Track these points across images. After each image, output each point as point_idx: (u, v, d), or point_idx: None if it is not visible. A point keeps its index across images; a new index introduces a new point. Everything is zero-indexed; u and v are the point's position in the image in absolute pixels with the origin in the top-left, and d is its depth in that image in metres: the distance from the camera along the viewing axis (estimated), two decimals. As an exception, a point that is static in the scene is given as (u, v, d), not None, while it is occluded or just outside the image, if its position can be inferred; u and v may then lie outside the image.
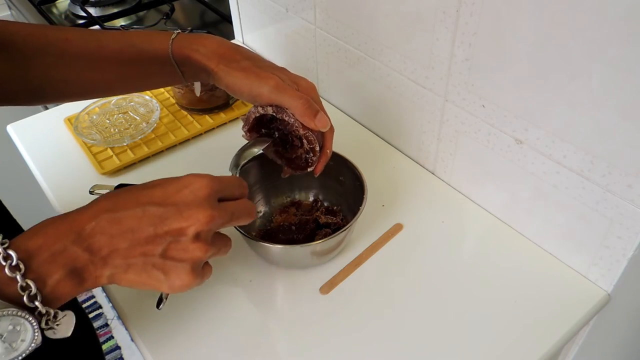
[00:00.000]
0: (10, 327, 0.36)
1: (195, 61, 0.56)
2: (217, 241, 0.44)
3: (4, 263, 0.36)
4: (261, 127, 0.59)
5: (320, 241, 0.58)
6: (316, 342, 0.55)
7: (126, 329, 0.58)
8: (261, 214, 0.68)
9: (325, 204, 0.69)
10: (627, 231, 0.53)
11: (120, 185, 0.59)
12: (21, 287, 0.37)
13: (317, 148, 0.56)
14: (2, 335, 0.36)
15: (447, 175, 0.72)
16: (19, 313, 0.36)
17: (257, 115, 0.56)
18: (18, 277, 0.37)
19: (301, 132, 0.54)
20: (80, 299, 1.76)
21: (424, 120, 0.71)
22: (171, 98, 0.89)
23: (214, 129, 0.84)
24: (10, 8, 1.46)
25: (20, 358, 0.37)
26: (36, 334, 0.37)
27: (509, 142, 0.60)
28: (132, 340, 0.58)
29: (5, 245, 0.37)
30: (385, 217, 0.68)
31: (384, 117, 0.78)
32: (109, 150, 0.79)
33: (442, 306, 0.58)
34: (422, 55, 0.65)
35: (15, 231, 0.70)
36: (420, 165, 0.76)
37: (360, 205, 0.59)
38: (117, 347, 1.64)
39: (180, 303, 0.59)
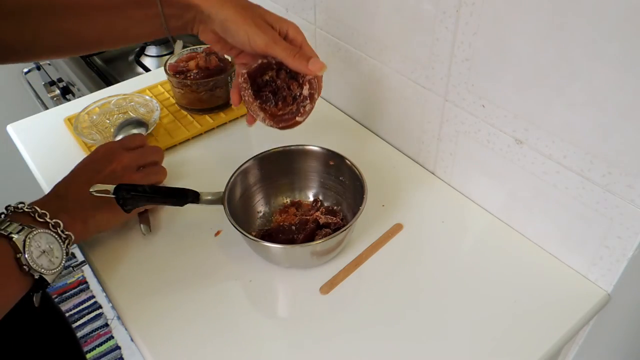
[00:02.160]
0: (47, 245, 0.51)
1: None
2: (148, 170, 0.67)
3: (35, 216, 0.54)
4: (254, 86, 0.60)
5: (320, 241, 0.58)
6: (316, 342, 0.55)
7: (126, 329, 0.58)
8: (261, 214, 0.68)
9: (325, 204, 0.69)
10: (627, 231, 0.53)
11: (120, 186, 0.60)
12: (52, 225, 0.54)
13: (316, 96, 0.59)
14: (45, 251, 0.51)
15: (447, 175, 0.72)
16: (52, 232, 0.53)
17: (264, 62, 0.58)
18: (47, 219, 0.54)
19: (307, 77, 0.58)
20: (80, 299, 1.76)
21: (424, 120, 0.71)
22: (171, 98, 0.89)
23: (214, 129, 0.84)
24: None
25: (58, 269, 0.52)
26: (64, 251, 0.53)
27: (509, 142, 0.60)
28: (132, 340, 0.58)
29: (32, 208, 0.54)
30: (385, 217, 0.68)
31: (384, 117, 0.78)
32: (109, 150, 0.79)
33: (442, 306, 0.58)
34: (422, 55, 0.65)
35: None
36: (420, 165, 0.76)
37: (361, 205, 0.59)
38: (117, 347, 1.64)
39: (180, 303, 0.59)
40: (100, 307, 1.75)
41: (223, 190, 0.62)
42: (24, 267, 0.49)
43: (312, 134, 0.73)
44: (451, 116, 0.66)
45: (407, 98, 0.71)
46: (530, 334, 0.55)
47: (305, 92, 0.58)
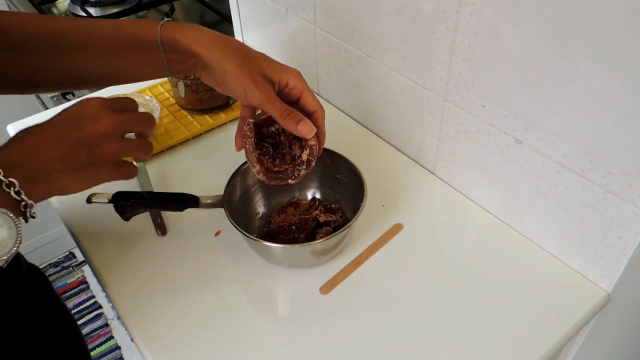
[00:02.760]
0: None
1: (183, 46, 0.55)
2: (132, 142, 0.54)
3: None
4: (259, 134, 0.59)
5: (320, 240, 0.59)
6: (316, 342, 0.55)
7: (126, 329, 0.58)
8: (260, 215, 0.68)
9: (324, 203, 0.69)
10: (627, 231, 0.53)
11: (118, 194, 0.60)
12: (6, 184, 0.45)
13: (313, 164, 0.58)
14: None
15: (447, 175, 0.72)
16: (2, 210, 0.44)
17: (265, 118, 0.58)
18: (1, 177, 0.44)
19: (310, 142, 0.57)
20: (80, 299, 1.76)
21: (424, 120, 0.71)
22: (171, 98, 0.89)
23: (214, 129, 0.84)
24: (10, 8, 1.46)
25: (9, 254, 0.45)
26: (18, 230, 0.45)
27: (509, 142, 0.60)
28: (132, 340, 0.58)
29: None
30: (385, 217, 0.68)
31: (384, 117, 0.78)
32: (109, 150, 0.79)
33: (442, 306, 0.58)
34: (422, 55, 0.65)
35: None
36: (420, 165, 0.76)
37: (361, 202, 0.60)
38: (117, 347, 1.64)
39: (181, 303, 0.59)
40: (100, 307, 1.75)
41: (222, 192, 0.62)
42: None
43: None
44: (451, 116, 0.66)
45: (407, 98, 0.71)
46: (530, 334, 0.55)
47: (304, 157, 0.58)
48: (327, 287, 0.60)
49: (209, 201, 0.62)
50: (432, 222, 0.68)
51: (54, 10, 1.33)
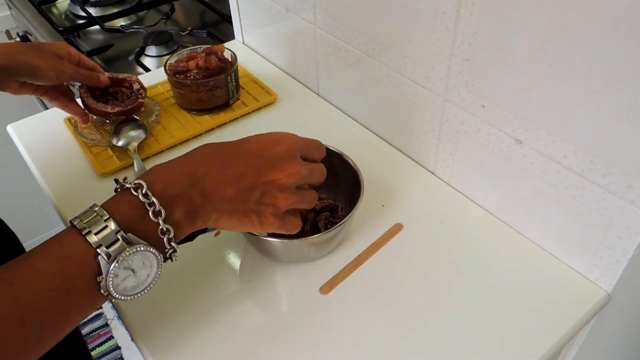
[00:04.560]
0: (141, 262, 0.41)
1: None
2: (301, 192, 0.50)
3: (149, 208, 0.41)
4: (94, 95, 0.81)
5: (318, 235, 0.59)
6: (316, 342, 0.56)
7: (126, 329, 0.58)
8: None
9: None
10: (627, 231, 0.53)
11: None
12: (161, 230, 0.42)
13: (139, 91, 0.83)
14: (134, 271, 0.41)
15: (447, 175, 0.72)
16: (150, 249, 0.41)
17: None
18: (160, 222, 0.42)
19: (132, 79, 0.83)
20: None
21: (424, 120, 0.71)
22: (171, 98, 0.89)
23: (214, 129, 0.84)
24: (10, 8, 1.46)
25: (145, 291, 0.43)
26: (159, 270, 0.43)
27: (509, 142, 0.60)
28: (132, 340, 0.58)
29: (144, 191, 0.41)
30: (385, 217, 0.68)
31: (384, 117, 0.78)
32: (109, 151, 0.79)
33: (442, 306, 0.58)
34: (422, 55, 0.65)
35: (4, 232, 0.70)
36: (420, 165, 0.76)
37: (359, 194, 0.60)
38: (117, 347, 1.64)
39: (181, 303, 0.59)
40: (100, 307, 1.75)
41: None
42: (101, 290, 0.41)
43: (311, 133, 0.73)
44: (451, 116, 0.66)
45: (407, 98, 0.71)
46: (530, 334, 0.55)
47: (137, 86, 0.82)
48: (327, 287, 0.60)
49: None
50: (432, 222, 0.68)
51: (54, 10, 1.33)
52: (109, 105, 0.78)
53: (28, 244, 0.76)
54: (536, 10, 0.50)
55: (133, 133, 0.78)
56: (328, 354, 0.54)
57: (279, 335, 0.56)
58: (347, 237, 0.65)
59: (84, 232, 0.39)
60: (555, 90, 0.52)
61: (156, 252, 0.42)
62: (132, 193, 0.42)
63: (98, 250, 0.39)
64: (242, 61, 0.98)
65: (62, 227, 0.52)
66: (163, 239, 0.42)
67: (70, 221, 0.41)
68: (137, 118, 0.80)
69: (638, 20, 0.43)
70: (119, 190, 0.44)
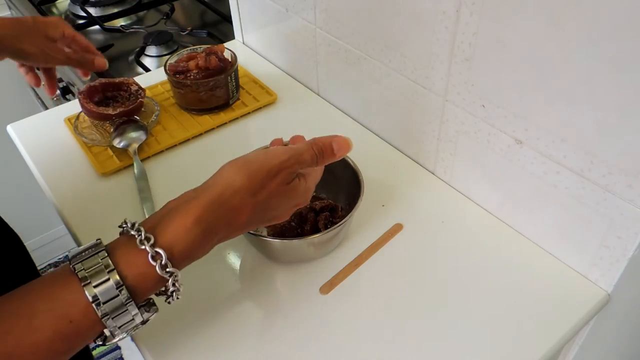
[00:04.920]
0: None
1: None
2: (298, 197, 0.51)
3: (154, 263, 0.40)
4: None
5: (318, 235, 0.59)
6: (316, 342, 0.55)
7: (126, 329, 0.58)
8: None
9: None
10: (627, 231, 0.53)
11: None
12: (166, 288, 0.43)
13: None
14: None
15: (447, 175, 0.72)
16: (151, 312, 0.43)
17: (92, 85, 0.83)
18: (169, 281, 0.42)
19: (129, 82, 0.84)
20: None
21: (424, 120, 0.71)
22: (171, 98, 0.89)
23: (214, 129, 0.84)
24: (10, 8, 1.46)
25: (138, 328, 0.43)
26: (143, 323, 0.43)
27: (509, 142, 0.60)
28: (132, 340, 0.58)
29: (152, 243, 0.40)
30: (385, 217, 0.68)
31: (384, 117, 0.78)
32: (109, 150, 0.79)
33: (442, 306, 0.58)
34: (422, 55, 0.65)
35: (5, 232, 0.70)
36: (420, 165, 0.76)
37: (359, 194, 0.60)
38: (117, 347, 1.64)
39: (180, 303, 0.59)
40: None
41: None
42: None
43: (312, 133, 0.73)
44: (451, 116, 0.66)
45: (407, 98, 0.71)
46: (530, 334, 0.55)
47: (135, 87, 0.83)
48: (327, 287, 0.60)
49: None
50: (432, 222, 0.68)
51: (54, 10, 1.33)
52: (110, 108, 0.80)
53: (28, 244, 0.76)
54: (536, 10, 0.50)
55: (134, 134, 0.78)
56: (328, 353, 0.54)
57: (279, 335, 0.56)
58: (347, 237, 0.65)
59: (83, 284, 0.38)
60: (555, 90, 0.52)
61: (153, 313, 0.43)
62: (150, 262, 0.40)
63: (94, 306, 0.38)
64: (242, 61, 0.98)
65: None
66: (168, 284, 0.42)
67: (72, 265, 0.40)
68: (138, 119, 0.80)
69: (638, 20, 0.43)
70: (127, 236, 0.42)
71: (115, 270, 0.39)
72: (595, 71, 0.48)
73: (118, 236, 0.43)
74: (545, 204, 0.60)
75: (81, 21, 1.24)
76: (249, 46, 1.03)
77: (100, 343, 0.41)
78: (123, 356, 1.62)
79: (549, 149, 0.56)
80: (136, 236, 0.40)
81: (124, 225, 0.42)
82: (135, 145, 0.77)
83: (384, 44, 0.70)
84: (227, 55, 0.86)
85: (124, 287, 0.39)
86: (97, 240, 0.41)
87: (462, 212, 0.69)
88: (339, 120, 0.85)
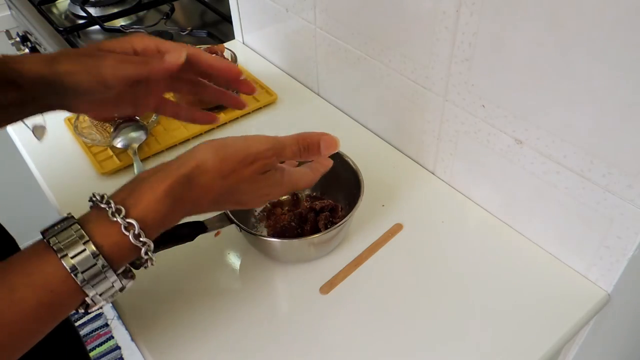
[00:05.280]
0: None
1: (15, 71, 0.46)
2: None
3: (127, 233, 0.41)
4: None
5: (318, 235, 0.59)
6: (316, 342, 0.55)
7: (126, 329, 0.58)
8: (257, 217, 0.68)
9: (306, 192, 0.70)
10: (627, 231, 0.53)
11: None
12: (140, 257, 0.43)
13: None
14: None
15: (447, 175, 0.72)
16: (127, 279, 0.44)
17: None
18: (142, 249, 0.42)
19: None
20: (80, 299, 1.76)
21: (424, 120, 0.71)
22: (171, 98, 0.89)
23: (214, 129, 0.84)
24: (10, 8, 1.46)
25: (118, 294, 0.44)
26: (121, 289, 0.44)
27: (508, 142, 0.60)
28: (132, 340, 0.58)
29: (123, 214, 0.41)
30: (385, 217, 0.68)
31: (384, 117, 0.78)
32: (109, 150, 0.79)
33: (442, 306, 0.58)
34: (422, 55, 0.65)
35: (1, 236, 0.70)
36: (420, 165, 0.76)
37: (359, 194, 0.60)
38: (117, 347, 1.64)
39: (181, 303, 0.59)
40: (100, 307, 1.74)
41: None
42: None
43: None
44: (451, 116, 0.66)
45: (407, 98, 0.71)
46: (530, 334, 0.55)
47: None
48: (327, 287, 0.60)
49: (216, 223, 0.60)
50: (432, 222, 0.68)
51: (54, 10, 1.33)
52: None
53: (28, 244, 0.76)
54: (536, 10, 0.50)
55: (134, 134, 0.78)
56: (328, 353, 0.54)
57: (279, 335, 0.56)
58: (347, 237, 0.65)
59: (60, 255, 0.39)
60: (555, 90, 0.52)
61: (131, 279, 0.44)
62: (123, 232, 0.41)
63: (73, 275, 0.39)
64: (242, 61, 0.98)
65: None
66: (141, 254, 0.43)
67: (46, 239, 0.41)
68: (138, 119, 0.80)
69: (638, 20, 0.43)
70: (97, 209, 0.42)
71: (90, 242, 0.39)
72: (595, 71, 0.48)
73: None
74: (545, 204, 0.60)
75: (81, 21, 1.24)
76: (249, 46, 1.03)
77: (82, 311, 0.43)
78: (123, 356, 1.62)
79: (549, 149, 0.56)
80: (107, 209, 0.41)
81: (94, 199, 0.42)
82: (135, 145, 0.77)
83: (384, 44, 0.70)
84: (227, 55, 0.86)
85: (100, 255, 0.40)
86: (67, 214, 0.42)
87: (462, 212, 0.69)
88: (339, 120, 0.85)
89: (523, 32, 0.52)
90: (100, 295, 0.41)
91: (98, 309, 0.44)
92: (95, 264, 0.40)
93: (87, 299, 0.41)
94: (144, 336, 0.56)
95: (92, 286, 0.40)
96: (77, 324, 1.70)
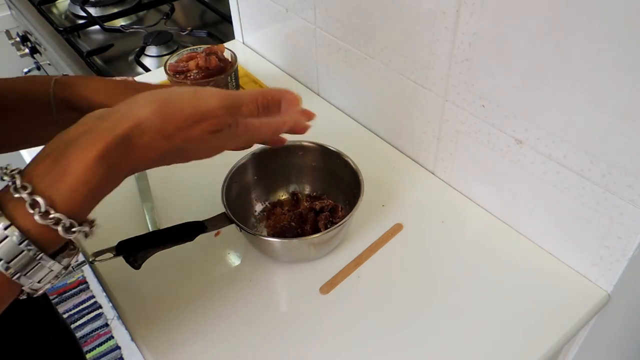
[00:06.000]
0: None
1: (79, 97, 0.48)
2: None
3: (32, 211, 0.34)
4: None
5: (318, 235, 0.59)
6: (316, 342, 0.56)
7: (126, 329, 0.58)
8: (257, 217, 0.68)
9: (306, 192, 0.70)
10: (627, 231, 0.53)
11: (122, 246, 0.55)
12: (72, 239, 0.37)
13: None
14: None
15: (447, 175, 0.72)
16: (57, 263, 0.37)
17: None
18: (59, 229, 0.35)
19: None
20: (80, 299, 1.76)
21: (424, 120, 0.71)
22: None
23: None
24: (10, 8, 1.46)
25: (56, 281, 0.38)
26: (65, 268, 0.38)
27: (509, 142, 0.60)
28: (132, 340, 0.58)
29: (29, 190, 0.35)
30: (385, 217, 0.68)
31: (384, 117, 0.78)
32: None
33: (442, 306, 0.58)
34: (422, 55, 0.65)
35: None
36: (420, 165, 0.76)
37: (359, 193, 0.60)
38: (117, 347, 1.64)
39: (181, 303, 0.59)
40: (100, 307, 1.75)
41: (220, 196, 0.61)
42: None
43: (311, 133, 0.73)
44: (451, 116, 0.66)
45: (407, 98, 0.71)
46: (531, 333, 0.55)
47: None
48: (327, 287, 0.60)
49: (215, 222, 0.60)
50: (432, 222, 0.68)
51: (54, 10, 1.33)
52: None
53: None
54: (536, 10, 0.50)
55: None
56: (328, 353, 0.54)
57: (278, 335, 0.56)
58: (347, 237, 0.65)
59: None
60: (555, 90, 0.52)
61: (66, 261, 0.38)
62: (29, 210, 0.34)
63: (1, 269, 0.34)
64: (242, 61, 0.98)
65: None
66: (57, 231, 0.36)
67: None
68: None
69: (638, 20, 0.43)
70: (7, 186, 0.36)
71: (13, 226, 0.34)
72: (595, 71, 0.48)
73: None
74: (545, 204, 0.60)
75: (81, 21, 1.24)
76: (249, 46, 1.03)
77: (25, 297, 0.37)
78: (123, 356, 1.62)
79: (549, 149, 0.56)
80: (10, 184, 0.35)
81: (4, 171, 0.36)
82: None
83: (384, 44, 0.70)
84: (227, 55, 0.86)
85: (27, 240, 0.34)
86: None
87: (462, 212, 0.69)
88: (339, 120, 0.85)
89: (523, 32, 0.52)
90: (39, 282, 0.36)
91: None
92: (24, 251, 0.34)
93: (24, 287, 0.36)
94: (144, 336, 0.56)
95: (26, 276, 0.35)
96: (77, 324, 1.70)
